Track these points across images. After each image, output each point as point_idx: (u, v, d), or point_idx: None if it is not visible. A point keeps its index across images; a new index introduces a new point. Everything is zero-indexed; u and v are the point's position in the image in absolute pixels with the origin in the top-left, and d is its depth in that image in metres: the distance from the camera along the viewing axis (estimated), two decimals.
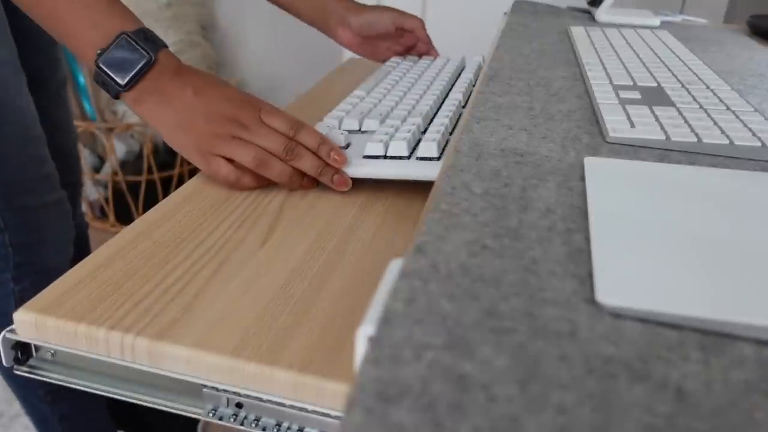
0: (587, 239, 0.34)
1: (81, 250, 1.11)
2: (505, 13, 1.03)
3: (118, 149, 1.78)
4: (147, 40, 0.56)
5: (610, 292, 0.29)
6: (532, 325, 0.27)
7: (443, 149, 0.59)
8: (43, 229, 0.83)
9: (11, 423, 1.18)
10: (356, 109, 0.69)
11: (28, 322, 0.41)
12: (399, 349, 0.25)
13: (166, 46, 0.58)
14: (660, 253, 0.32)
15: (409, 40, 0.94)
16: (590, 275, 0.31)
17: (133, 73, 0.56)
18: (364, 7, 0.88)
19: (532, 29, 0.90)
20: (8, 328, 0.42)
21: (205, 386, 0.39)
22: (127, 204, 1.78)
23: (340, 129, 0.65)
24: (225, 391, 0.39)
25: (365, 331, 0.28)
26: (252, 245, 0.50)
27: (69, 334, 0.40)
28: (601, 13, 1.00)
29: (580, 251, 0.33)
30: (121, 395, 0.42)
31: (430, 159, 0.57)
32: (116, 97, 0.57)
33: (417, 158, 0.58)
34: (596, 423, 0.22)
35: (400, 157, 0.58)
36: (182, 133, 0.57)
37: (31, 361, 0.43)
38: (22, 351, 0.43)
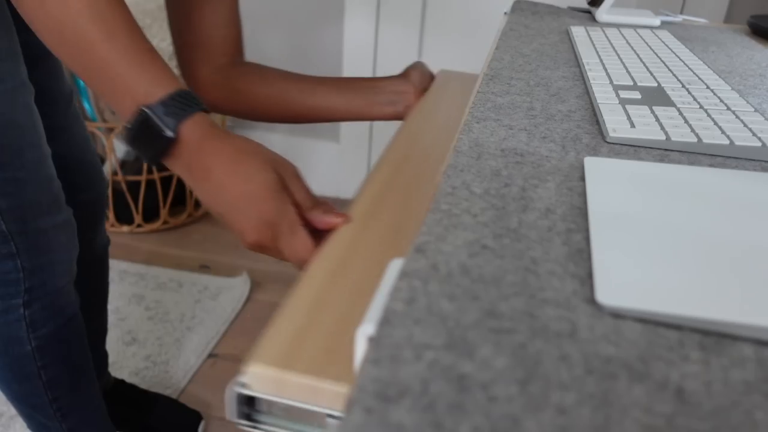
0: (587, 239, 0.34)
1: (103, 266, 1.09)
2: (505, 13, 1.03)
3: (118, 149, 1.78)
4: (168, 114, 0.54)
5: (610, 292, 0.29)
6: (532, 325, 0.27)
7: None
8: (53, 250, 0.81)
9: (11, 423, 1.18)
10: None
11: (267, 377, 0.38)
12: (399, 349, 0.25)
13: (197, 109, 0.55)
14: (660, 253, 0.32)
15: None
16: (590, 275, 0.31)
17: (154, 153, 0.55)
18: (408, 70, 0.86)
19: (532, 29, 0.90)
20: (238, 382, 0.39)
21: (331, 416, 0.37)
22: (127, 204, 1.78)
23: None
24: None
25: (365, 330, 0.28)
26: None
27: (311, 390, 0.37)
28: (602, 13, 1.00)
29: (580, 251, 0.33)
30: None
31: None
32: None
33: None
34: (596, 423, 0.22)
35: None
36: (228, 221, 0.55)
37: (257, 416, 0.40)
38: (248, 405, 0.40)
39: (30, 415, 0.93)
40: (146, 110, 0.53)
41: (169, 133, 0.53)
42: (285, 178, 0.55)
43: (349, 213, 0.54)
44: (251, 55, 0.84)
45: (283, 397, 0.39)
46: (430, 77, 0.88)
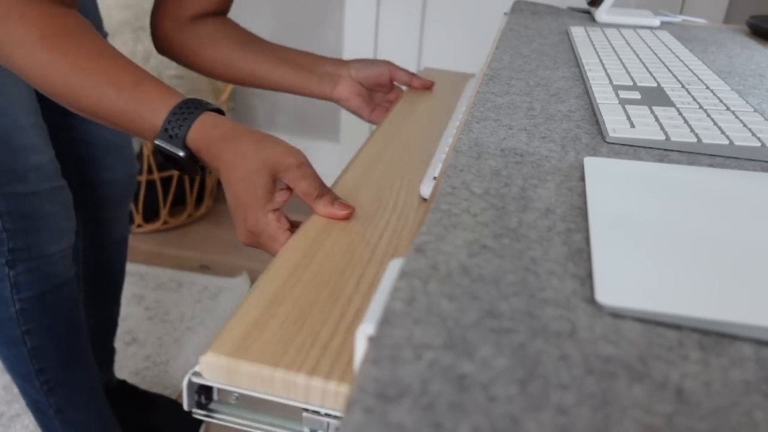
0: (587, 239, 0.34)
1: (120, 251, 1.11)
2: (505, 13, 1.03)
3: None
4: (171, 137, 0.58)
5: (609, 292, 0.29)
6: (532, 325, 0.27)
7: None
8: (37, 216, 0.83)
9: (11, 423, 1.18)
10: None
11: (220, 366, 0.39)
12: (399, 349, 0.25)
13: (197, 115, 0.58)
14: (660, 253, 0.32)
15: (396, 95, 0.93)
16: (590, 275, 0.31)
17: (189, 170, 0.60)
18: (357, 59, 0.90)
19: (532, 29, 0.90)
20: (192, 371, 0.40)
21: (306, 410, 0.38)
22: None
23: None
24: (327, 415, 0.37)
25: (365, 330, 0.28)
26: None
27: (265, 379, 0.38)
28: (601, 14, 1.00)
29: (580, 251, 0.33)
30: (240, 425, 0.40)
31: None
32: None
33: None
34: (596, 423, 0.22)
35: None
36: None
37: (212, 405, 0.41)
38: (205, 395, 0.41)
39: (21, 386, 0.94)
40: (157, 143, 0.58)
41: (181, 154, 0.58)
42: (284, 176, 0.56)
43: (353, 206, 0.56)
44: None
45: (235, 385, 0.39)
46: (387, 76, 0.89)
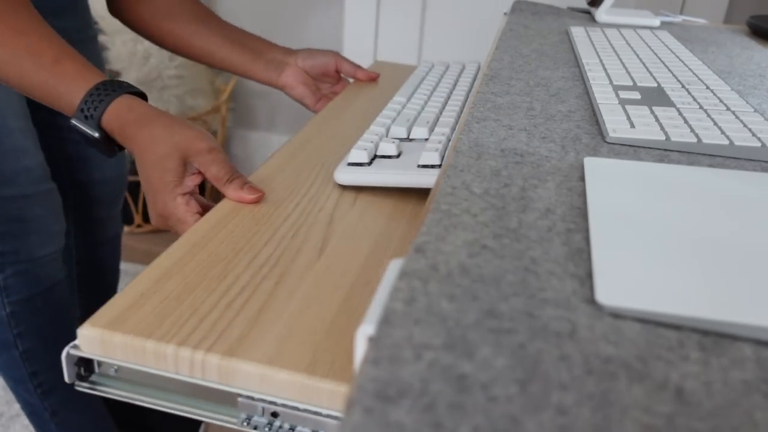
0: (587, 239, 0.34)
1: (114, 249, 1.11)
2: (505, 13, 1.03)
3: None
4: (87, 118, 0.59)
5: (609, 292, 0.29)
6: (532, 325, 0.27)
7: None
8: (25, 219, 0.83)
9: (11, 423, 1.18)
10: (401, 116, 0.69)
11: (94, 338, 0.40)
12: (399, 349, 0.25)
13: (113, 97, 0.59)
14: (660, 253, 0.32)
15: (342, 87, 0.95)
16: (590, 275, 0.31)
17: (103, 149, 0.62)
18: (305, 49, 0.91)
19: (532, 29, 0.90)
20: (72, 344, 0.41)
21: (241, 395, 0.38)
22: (126, 204, 1.78)
23: (388, 137, 0.65)
24: (261, 400, 0.38)
25: (365, 331, 0.28)
26: (309, 256, 0.48)
27: (137, 350, 0.39)
28: (601, 14, 1.00)
29: (580, 251, 0.33)
30: (162, 406, 0.41)
31: None
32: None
33: None
34: (596, 423, 0.22)
35: None
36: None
37: (92, 377, 0.42)
38: (85, 367, 0.41)
39: (16, 390, 0.94)
40: (74, 123, 0.60)
41: (96, 135, 0.60)
42: (194, 160, 0.58)
43: (263, 190, 0.57)
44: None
45: (109, 357, 0.40)
46: (333, 65, 0.91)
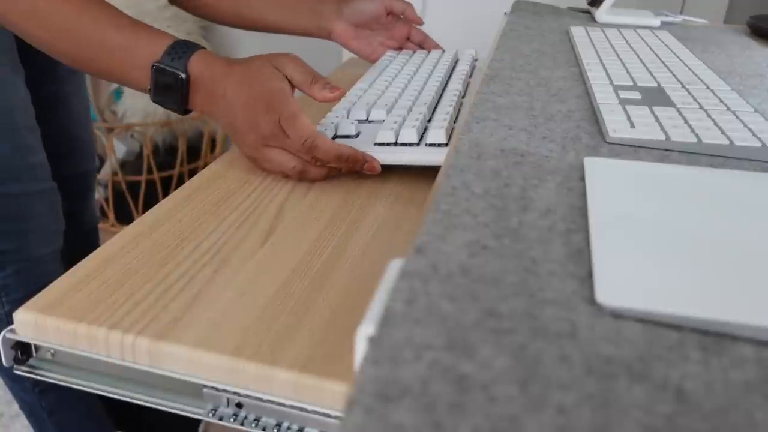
0: (587, 239, 0.34)
1: (90, 243, 1.11)
2: (505, 13, 1.03)
3: (118, 149, 1.78)
4: (174, 59, 0.61)
5: (610, 292, 0.29)
6: (532, 325, 0.27)
7: (450, 135, 0.63)
8: (27, 217, 0.83)
9: (11, 423, 1.18)
10: (362, 100, 0.73)
11: (28, 322, 0.41)
12: (399, 349, 0.25)
13: (195, 49, 0.62)
14: (660, 253, 0.32)
15: (401, 32, 0.96)
16: (590, 275, 0.31)
17: (179, 97, 0.62)
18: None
19: (532, 29, 0.90)
20: (8, 328, 0.42)
21: (206, 386, 0.39)
22: (126, 204, 1.78)
23: (348, 119, 0.68)
24: (225, 391, 0.39)
25: (365, 331, 0.28)
26: (252, 245, 0.50)
27: (69, 333, 0.40)
28: (602, 14, 1.00)
29: (580, 251, 0.33)
30: (121, 395, 0.42)
31: (439, 145, 0.61)
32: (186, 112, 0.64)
33: (426, 144, 0.61)
34: (596, 423, 0.22)
35: (410, 144, 0.62)
36: (233, 140, 0.63)
37: (31, 361, 0.43)
38: (23, 351, 0.42)
39: (13, 389, 0.94)
40: (158, 64, 0.61)
41: (183, 75, 0.61)
42: (284, 69, 0.61)
43: (341, 89, 0.61)
44: (252, 46, 0.87)
45: (44, 341, 0.41)
46: (383, 13, 0.94)
